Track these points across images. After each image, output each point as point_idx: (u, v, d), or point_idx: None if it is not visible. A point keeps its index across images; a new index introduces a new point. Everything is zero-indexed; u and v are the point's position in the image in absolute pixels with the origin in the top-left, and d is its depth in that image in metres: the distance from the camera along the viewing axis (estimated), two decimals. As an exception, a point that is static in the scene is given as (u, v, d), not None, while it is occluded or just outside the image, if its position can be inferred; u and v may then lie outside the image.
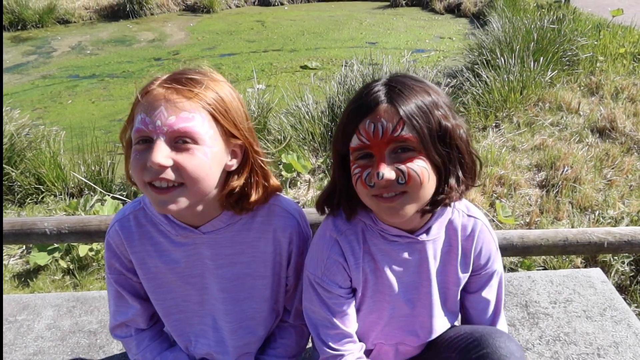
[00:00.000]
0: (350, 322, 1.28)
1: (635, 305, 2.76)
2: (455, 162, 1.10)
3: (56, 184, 4.10)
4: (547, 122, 4.90)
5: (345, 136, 1.11)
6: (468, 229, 1.27)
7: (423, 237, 1.21)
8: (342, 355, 1.26)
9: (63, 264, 3.16)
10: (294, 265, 1.33)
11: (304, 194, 3.92)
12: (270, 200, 1.28)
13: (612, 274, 2.98)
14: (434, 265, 1.25)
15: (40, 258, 3.10)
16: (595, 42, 6.68)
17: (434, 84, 1.14)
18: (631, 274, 3.02)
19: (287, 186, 4.01)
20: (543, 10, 8.86)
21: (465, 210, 1.28)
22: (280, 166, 4.08)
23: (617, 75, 5.89)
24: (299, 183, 4.09)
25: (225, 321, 1.32)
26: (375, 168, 1.04)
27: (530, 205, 3.67)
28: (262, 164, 1.22)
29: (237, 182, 1.17)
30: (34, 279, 3.11)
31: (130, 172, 1.08)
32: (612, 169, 4.05)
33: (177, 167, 1.03)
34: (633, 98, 5.32)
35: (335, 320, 1.26)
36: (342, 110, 4.49)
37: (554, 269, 3.05)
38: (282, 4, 12.57)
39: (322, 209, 1.27)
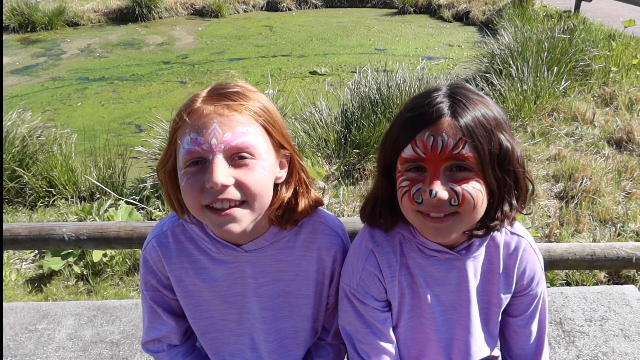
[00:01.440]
0: (386, 336, 1.23)
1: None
2: (510, 187, 1.04)
3: (67, 187, 4.06)
4: (562, 133, 4.86)
5: (398, 145, 1.04)
6: (511, 247, 1.20)
7: (463, 253, 1.15)
8: None
9: (77, 269, 3.11)
10: (337, 284, 1.28)
11: (319, 202, 3.87)
12: (314, 216, 1.24)
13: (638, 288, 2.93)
14: (474, 283, 1.19)
15: (54, 263, 3.05)
16: (608, 53, 6.64)
17: (490, 99, 1.09)
18: (655, 290, 2.96)
19: (302, 193, 3.96)
20: (552, 20, 8.85)
21: (508, 228, 1.22)
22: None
23: (631, 86, 5.86)
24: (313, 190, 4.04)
25: (265, 340, 1.26)
26: (428, 185, 0.98)
27: (550, 217, 3.62)
28: (306, 174, 1.18)
29: (286, 194, 1.12)
30: (47, 284, 3.06)
31: (184, 197, 1.03)
32: (631, 181, 4.00)
33: (238, 185, 0.98)
34: (648, 110, 5.28)
35: (370, 333, 1.21)
36: (360, 116, 4.47)
37: (577, 283, 3.00)
38: (289, 9, 12.58)
39: (370, 220, 1.21)
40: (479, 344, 1.25)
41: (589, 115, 5.15)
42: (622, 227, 3.45)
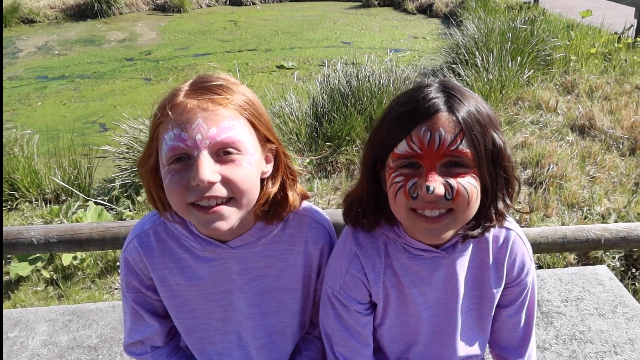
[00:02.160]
0: (364, 340, 1.22)
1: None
2: (502, 184, 1.03)
3: (31, 190, 3.92)
4: (528, 121, 4.97)
5: (390, 141, 1.00)
6: (500, 240, 1.18)
7: (450, 251, 1.12)
8: None
9: (46, 274, 3.00)
10: (324, 278, 1.27)
11: (293, 196, 3.85)
12: (300, 210, 1.21)
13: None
14: (462, 280, 1.17)
15: (21, 268, 2.93)
16: (567, 43, 6.84)
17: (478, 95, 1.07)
18: (622, 269, 3.08)
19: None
20: (514, 11, 9.05)
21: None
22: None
23: (591, 74, 6.05)
24: (286, 185, 4.02)
25: (254, 337, 1.24)
26: (425, 180, 0.95)
27: (520, 202, 3.71)
28: (292, 168, 1.16)
29: (272, 189, 1.10)
30: (15, 291, 2.94)
31: (168, 195, 0.99)
32: (595, 166, 4.13)
33: (225, 181, 0.95)
34: (607, 96, 5.46)
35: (349, 336, 1.20)
36: (330, 109, 4.46)
37: (549, 265, 3.08)
38: (254, 3, 12.46)
39: (354, 221, 1.17)
40: (466, 340, 1.24)
41: (552, 103, 5.29)
42: (589, 210, 3.56)
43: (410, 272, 1.15)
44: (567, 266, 3.10)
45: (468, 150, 0.95)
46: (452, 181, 0.96)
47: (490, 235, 1.16)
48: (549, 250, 2.55)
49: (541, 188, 3.81)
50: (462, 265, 1.15)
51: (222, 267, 1.16)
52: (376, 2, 11.82)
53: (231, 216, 0.99)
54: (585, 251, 3.09)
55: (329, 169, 4.26)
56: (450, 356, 1.25)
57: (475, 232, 1.06)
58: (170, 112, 0.96)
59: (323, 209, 3.78)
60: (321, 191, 3.87)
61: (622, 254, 3.12)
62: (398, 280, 1.16)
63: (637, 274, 3.06)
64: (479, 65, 5.72)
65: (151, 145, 1.01)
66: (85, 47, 8.92)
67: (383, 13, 11.31)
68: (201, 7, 12.17)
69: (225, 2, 12.46)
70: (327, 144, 4.36)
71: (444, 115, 0.96)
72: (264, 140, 1.05)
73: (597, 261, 3.10)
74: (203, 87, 0.98)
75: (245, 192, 0.99)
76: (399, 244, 1.14)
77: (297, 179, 1.18)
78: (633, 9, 7.31)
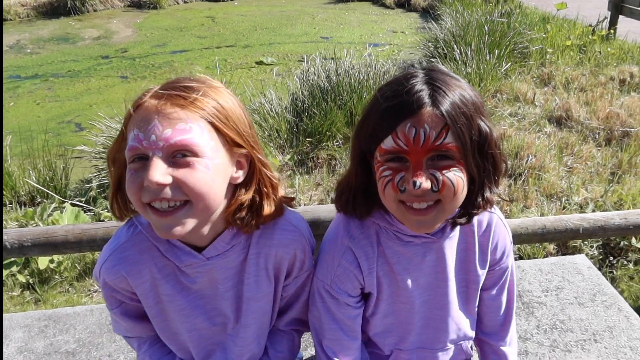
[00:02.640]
0: (354, 334, 1.22)
1: (608, 287, 2.86)
2: (489, 171, 1.03)
3: (5, 192, 3.82)
4: (507, 113, 5.02)
5: (377, 135, 1.01)
6: (484, 223, 1.21)
7: (439, 236, 1.15)
8: None
9: (22, 278, 2.93)
10: (295, 276, 1.24)
11: (274, 193, 3.83)
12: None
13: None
14: (451, 264, 1.20)
15: (-5, 273, 2.86)
16: (544, 35, 6.91)
17: (464, 81, 1.06)
18: (600, 257, 3.13)
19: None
20: (490, 4, 9.11)
21: None
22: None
23: (566, 66, 6.12)
24: (267, 181, 3.99)
25: (235, 344, 1.23)
26: (411, 175, 0.96)
27: (499, 194, 3.73)
28: (271, 175, 1.13)
29: (245, 196, 1.07)
30: (-10, 297, 2.86)
31: (127, 193, 0.98)
32: (572, 156, 4.19)
33: (177, 184, 0.94)
34: (583, 88, 5.54)
35: (339, 329, 1.20)
36: (311, 104, 4.44)
37: (529, 256, 3.11)
38: (231, -1, 12.34)
39: (345, 208, 1.18)
40: (457, 323, 1.26)
41: (530, 95, 5.35)
42: (567, 200, 3.61)
43: (402, 259, 1.17)
44: (547, 256, 3.14)
45: (453, 144, 0.96)
46: (438, 174, 0.97)
47: (475, 219, 1.18)
48: (529, 241, 2.58)
49: (520, 179, 3.85)
50: (451, 249, 1.18)
51: (204, 277, 1.14)
52: (354, -3, 11.81)
53: (187, 221, 0.97)
54: (564, 241, 3.13)
55: (310, 165, 4.24)
56: (444, 340, 1.27)
57: (463, 220, 1.08)
58: (133, 112, 0.95)
59: (305, 205, 3.75)
60: (302, 187, 3.85)
61: (600, 243, 3.17)
62: (390, 268, 1.17)
63: (614, 262, 3.12)
64: (458, 59, 5.74)
65: (121, 140, 1.00)
66: (59, 45, 8.73)
67: (362, 7, 11.30)
68: (178, 3, 12.01)
69: (202, -2, 12.32)
70: (307, 139, 4.34)
71: (428, 110, 0.95)
72: (232, 144, 1.02)
73: (576, 250, 3.14)
74: (170, 88, 0.97)
75: (200, 196, 0.96)
76: (390, 232, 1.15)
77: (277, 186, 1.15)
78: (606, 1, 7.42)
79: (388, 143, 0.98)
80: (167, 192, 0.93)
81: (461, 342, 1.30)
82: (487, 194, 1.05)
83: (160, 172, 0.91)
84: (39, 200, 3.84)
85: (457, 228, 1.18)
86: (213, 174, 0.98)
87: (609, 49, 6.56)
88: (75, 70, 7.45)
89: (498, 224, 1.22)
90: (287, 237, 1.18)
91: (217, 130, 0.99)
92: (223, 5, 11.84)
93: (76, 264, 3.10)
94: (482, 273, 1.24)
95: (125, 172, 0.98)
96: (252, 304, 1.20)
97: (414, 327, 1.25)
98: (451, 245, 1.18)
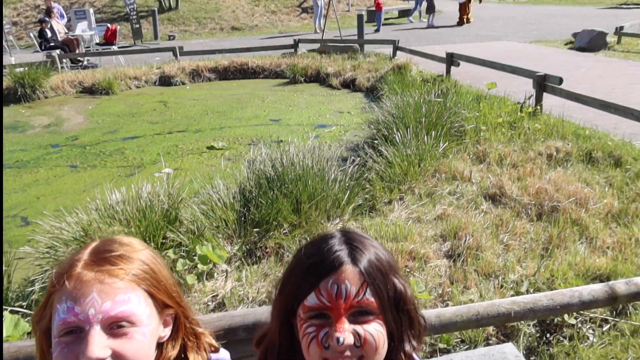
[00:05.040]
0: None
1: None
2: (407, 326, 1.10)
3: (-61, 302, 3.66)
4: (445, 192, 5.29)
5: (300, 293, 1.06)
6: None
7: None
8: None
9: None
10: None
11: (222, 286, 3.84)
12: None
13: (521, 338, 3.21)
14: None
15: None
16: (477, 114, 7.44)
17: (377, 242, 1.16)
18: (537, 335, 3.27)
19: (205, 279, 3.91)
20: (428, 84, 9.77)
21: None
22: (196, 258, 3.99)
23: (499, 143, 6.57)
24: (215, 274, 4.01)
25: None
26: (334, 331, 1.00)
27: (441, 276, 3.89)
28: (195, 329, 1.18)
29: (172, 352, 1.11)
30: None
31: None
32: (507, 233, 4.43)
33: (116, 356, 0.95)
34: (515, 164, 5.93)
35: None
36: (257, 194, 4.55)
37: (470, 339, 3.22)
38: (183, 83, 12.68)
39: None
40: None
41: (467, 173, 5.67)
42: (504, 279, 3.79)
43: None
44: (487, 338, 3.26)
45: (373, 300, 1.03)
46: (359, 329, 1.02)
47: None
48: (465, 328, 2.71)
49: (460, 260, 4.03)
50: None
51: None
52: (302, 79, 12.37)
53: None
54: (497, 325, 3.27)
55: (258, 254, 4.30)
56: None
57: None
58: (67, 282, 0.97)
59: (253, 299, 3.75)
60: (250, 279, 3.89)
61: (535, 321, 3.32)
62: None
63: (551, 338, 3.27)
64: (398, 141, 6.08)
65: (45, 309, 1.02)
66: (8, 134, 8.67)
67: (310, 89, 11.83)
68: (130, 88, 12.23)
69: (155, 83, 12.61)
70: (255, 229, 4.42)
71: (348, 268, 1.04)
72: (162, 306, 1.08)
73: (514, 330, 3.28)
74: (101, 258, 1.01)
75: None
76: None
77: (202, 336, 1.20)
78: (531, 80, 8.11)
79: (312, 300, 1.03)
80: None
81: None
82: (407, 347, 1.11)
83: (99, 346, 0.93)
84: (-24, 307, 3.70)
85: None
86: (149, 341, 1.02)
87: (536, 125, 7.10)
88: (23, 161, 7.38)
89: None
90: None
91: (152, 296, 1.04)
92: (175, 90, 12.14)
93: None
94: None
95: (48, 342, 0.99)
96: None
97: None
98: None
